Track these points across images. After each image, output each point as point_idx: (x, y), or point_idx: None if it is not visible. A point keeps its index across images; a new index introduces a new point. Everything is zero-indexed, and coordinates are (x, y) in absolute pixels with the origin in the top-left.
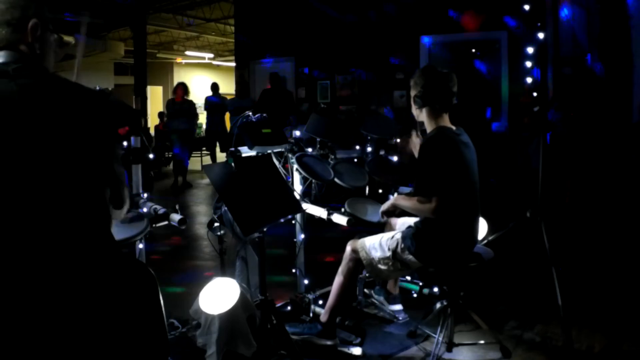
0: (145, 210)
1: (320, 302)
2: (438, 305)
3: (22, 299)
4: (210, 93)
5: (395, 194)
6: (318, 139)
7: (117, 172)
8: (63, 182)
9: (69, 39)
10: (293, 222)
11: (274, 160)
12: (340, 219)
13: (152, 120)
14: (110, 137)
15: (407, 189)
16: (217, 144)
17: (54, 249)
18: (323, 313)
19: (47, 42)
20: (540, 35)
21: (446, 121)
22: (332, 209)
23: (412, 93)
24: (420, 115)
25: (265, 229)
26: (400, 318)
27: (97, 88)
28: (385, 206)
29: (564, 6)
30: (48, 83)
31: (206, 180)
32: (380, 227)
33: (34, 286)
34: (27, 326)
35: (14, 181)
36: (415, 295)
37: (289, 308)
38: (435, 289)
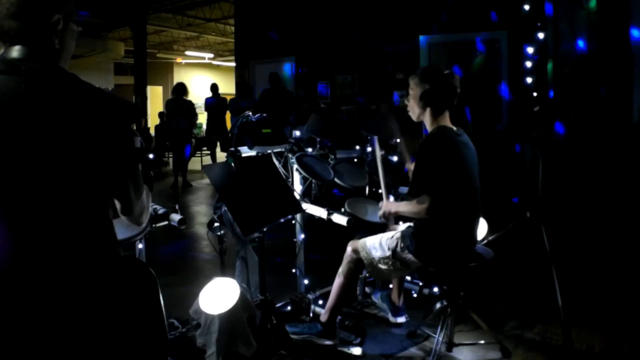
0: None
1: (320, 302)
2: (438, 305)
3: (22, 300)
4: (210, 94)
5: (391, 198)
6: (318, 139)
7: (133, 184)
8: (62, 185)
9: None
10: (293, 222)
11: (274, 160)
12: (340, 219)
13: (152, 120)
14: (124, 148)
15: (407, 189)
16: (217, 144)
17: (53, 249)
18: (323, 313)
19: (69, 33)
20: (540, 35)
21: (447, 121)
22: (332, 209)
23: (415, 92)
24: (422, 115)
25: (265, 229)
26: (403, 321)
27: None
28: (384, 210)
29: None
30: (60, 85)
31: (206, 180)
32: (380, 228)
33: (34, 285)
34: (28, 326)
35: (15, 181)
36: (415, 295)
37: (289, 308)
38: (435, 289)
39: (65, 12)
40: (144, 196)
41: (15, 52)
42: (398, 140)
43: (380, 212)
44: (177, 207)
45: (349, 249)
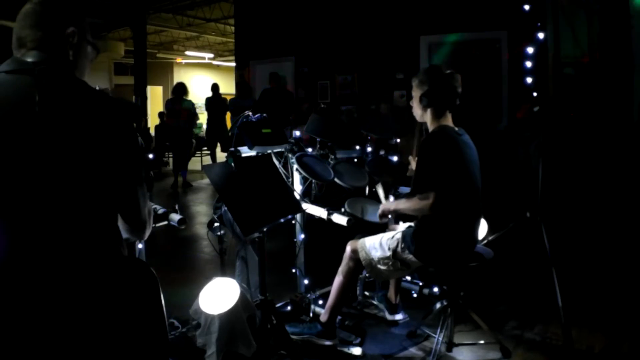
0: None
1: (320, 302)
2: (438, 305)
3: (24, 298)
4: (210, 94)
5: (391, 198)
6: (318, 139)
7: (137, 192)
8: (68, 184)
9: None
10: (293, 222)
11: (274, 160)
12: (340, 219)
13: (152, 120)
14: (130, 155)
15: (407, 189)
16: (218, 144)
17: (58, 248)
18: (323, 313)
19: (83, 51)
20: (540, 35)
21: (449, 121)
22: (332, 209)
23: (416, 93)
24: (424, 115)
25: (265, 229)
26: (400, 318)
27: (97, 88)
28: (382, 209)
29: None
30: (70, 88)
31: (206, 180)
32: (380, 228)
33: (35, 286)
34: (29, 325)
35: (21, 177)
36: (415, 295)
37: (289, 308)
38: (435, 289)
39: (79, 27)
40: (147, 209)
41: (31, 56)
42: (398, 140)
43: (380, 211)
44: (177, 207)
45: (348, 248)
